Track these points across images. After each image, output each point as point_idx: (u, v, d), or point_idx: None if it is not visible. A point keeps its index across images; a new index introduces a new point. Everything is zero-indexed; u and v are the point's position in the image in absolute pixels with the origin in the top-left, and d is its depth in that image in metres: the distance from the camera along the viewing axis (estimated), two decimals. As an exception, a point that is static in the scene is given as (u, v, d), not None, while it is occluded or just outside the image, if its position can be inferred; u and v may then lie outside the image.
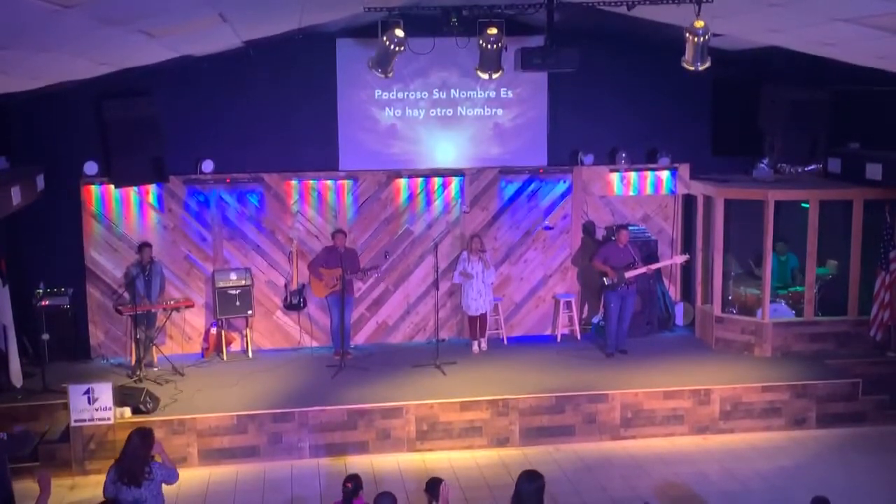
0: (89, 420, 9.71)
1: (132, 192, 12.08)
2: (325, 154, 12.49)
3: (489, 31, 9.40)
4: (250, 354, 12.27)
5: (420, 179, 12.76)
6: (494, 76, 9.94)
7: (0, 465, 7.96)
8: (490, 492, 9.40)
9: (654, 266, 12.42)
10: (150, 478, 6.89)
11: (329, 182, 12.58)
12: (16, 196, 10.04)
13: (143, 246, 11.60)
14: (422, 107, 12.65)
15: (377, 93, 12.52)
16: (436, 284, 12.15)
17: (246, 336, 12.37)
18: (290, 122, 12.37)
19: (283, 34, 11.04)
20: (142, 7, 6.69)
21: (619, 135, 13.11)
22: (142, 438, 7.00)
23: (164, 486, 7.12)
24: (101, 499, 6.87)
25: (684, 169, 13.25)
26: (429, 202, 12.84)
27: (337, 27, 11.73)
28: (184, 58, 10.49)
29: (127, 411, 10.03)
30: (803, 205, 12.13)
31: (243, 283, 12.16)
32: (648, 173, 13.26)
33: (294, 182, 12.49)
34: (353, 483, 7.03)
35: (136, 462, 6.88)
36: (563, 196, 13.07)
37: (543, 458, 10.25)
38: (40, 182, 11.39)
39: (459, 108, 12.73)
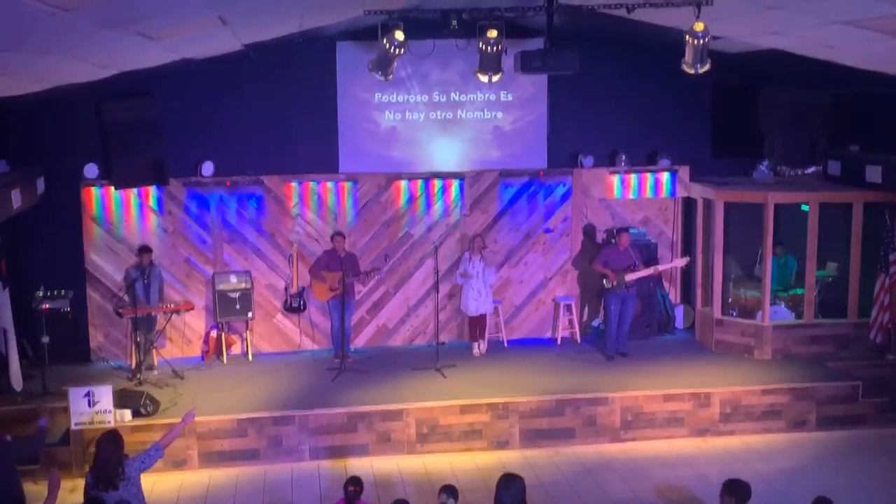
0: (89, 423, 9.70)
1: (132, 194, 12.08)
2: (325, 156, 12.47)
3: (489, 34, 9.39)
4: (250, 357, 12.27)
5: (420, 182, 12.76)
6: (494, 79, 9.91)
7: (7, 468, 7.82)
8: (490, 494, 9.32)
9: (656, 269, 12.41)
10: (124, 478, 6.84)
11: (329, 184, 12.58)
12: (16, 199, 10.04)
13: (143, 250, 11.61)
14: (422, 109, 12.64)
15: (377, 95, 12.51)
16: (436, 287, 12.14)
17: (246, 339, 12.37)
18: (290, 125, 12.35)
19: (283, 37, 11.05)
20: (141, 9, 6.69)
21: (619, 137, 13.10)
22: (112, 443, 6.96)
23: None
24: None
25: (684, 171, 13.24)
26: (429, 205, 12.84)
27: (337, 30, 11.74)
28: (184, 60, 10.49)
29: (127, 414, 10.03)
30: (803, 207, 12.14)
31: (243, 285, 12.16)
32: (648, 175, 13.24)
33: (294, 184, 12.49)
34: (354, 486, 7.06)
35: (109, 466, 6.86)
36: (563, 199, 13.07)
37: (543, 460, 10.25)
38: (40, 185, 11.39)
39: (459, 111, 12.72)
